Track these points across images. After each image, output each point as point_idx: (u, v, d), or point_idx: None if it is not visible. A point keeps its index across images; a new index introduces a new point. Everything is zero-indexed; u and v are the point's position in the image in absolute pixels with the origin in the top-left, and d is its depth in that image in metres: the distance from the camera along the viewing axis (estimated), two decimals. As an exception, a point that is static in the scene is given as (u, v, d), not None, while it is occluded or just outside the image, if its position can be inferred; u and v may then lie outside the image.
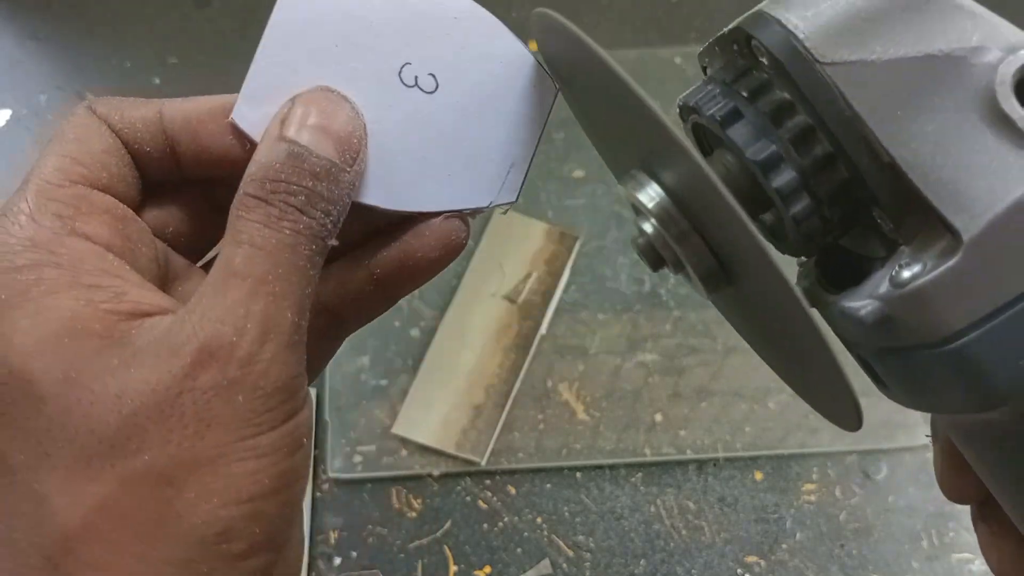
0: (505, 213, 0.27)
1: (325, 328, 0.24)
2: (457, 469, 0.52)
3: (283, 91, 0.21)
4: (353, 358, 0.54)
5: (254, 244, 0.19)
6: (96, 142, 0.21)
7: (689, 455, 0.53)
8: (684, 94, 0.22)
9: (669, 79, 0.64)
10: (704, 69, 0.23)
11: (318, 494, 0.52)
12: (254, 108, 0.21)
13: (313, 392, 0.53)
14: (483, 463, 0.52)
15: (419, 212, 0.23)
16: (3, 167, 0.61)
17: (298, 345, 0.20)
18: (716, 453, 0.53)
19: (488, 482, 0.52)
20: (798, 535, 0.51)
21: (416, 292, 0.58)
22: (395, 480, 0.52)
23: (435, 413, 0.53)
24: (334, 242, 0.20)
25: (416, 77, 0.22)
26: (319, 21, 0.22)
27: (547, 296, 0.56)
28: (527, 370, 0.54)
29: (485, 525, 0.51)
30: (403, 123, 0.22)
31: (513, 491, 0.52)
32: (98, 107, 0.22)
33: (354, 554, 0.50)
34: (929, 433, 0.26)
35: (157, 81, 0.64)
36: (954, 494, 0.26)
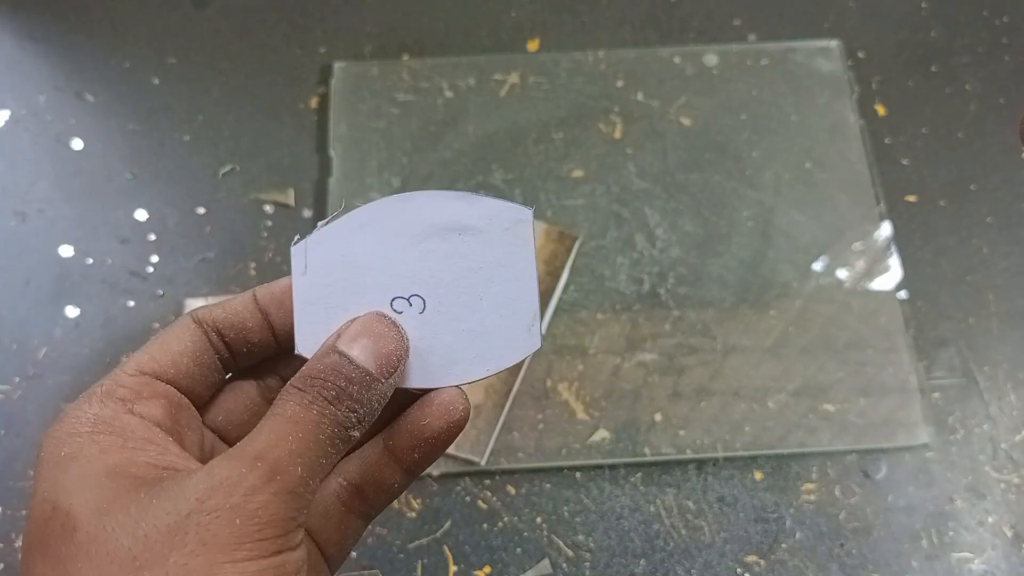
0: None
1: (351, 504, 0.27)
2: (456, 469, 0.52)
3: (330, 321, 0.26)
4: (352, 358, 0.55)
5: (284, 415, 0.23)
6: (176, 344, 0.25)
7: (688, 455, 0.53)
8: None
9: (668, 78, 0.64)
10: None
11: (318, 494, 0.52)
12: (311, 341, 0.26)
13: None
14: (483, 463, 0.52)
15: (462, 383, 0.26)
16: (2, 168, 0.61)
17: (301, 496, 0.22)
18: (715, 453, 0.53)
19: (488, 482, 0.52)
20: (798, 534, 0.51)
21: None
22: (395, 480, 0.52)
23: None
24: (356, 433, 0.24)
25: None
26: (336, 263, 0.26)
27: (546, 296, 0.56)
28: (526, 370, 0.54)
29: (485, 525, 0.51)
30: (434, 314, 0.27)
31: (513, 491, 0.52)
32: (199, 312, 0.26)
33: (354, 554, 0.50)
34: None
35: (156, 81, 0.64)
36: None
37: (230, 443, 0.27)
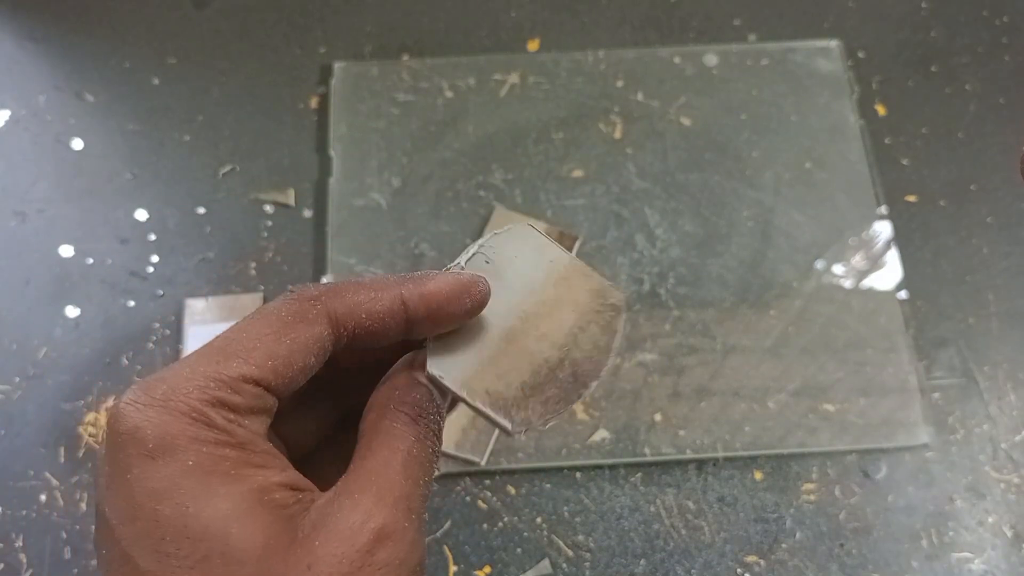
0: None
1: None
2: (457, 469, 0.52)
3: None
4: (352, 358, 0.55)
5: (404, 451, 0.24)
6: (301, 358, 0.24)
7: (688, 455, 0.53)
8: None
9: (668, 79, 0.64)
10: None
11: (318, 494, 0.52)
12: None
13: (312, 392, 0.53)
14: (483, 463, 0.52)
15: None
16: (2, 168, 0.61)
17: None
18: (715, 453, 0.53)
19: (488, 482, 0.52)
20: (798, 534, 0.51)
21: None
22: (395, 480, 0.52)
23: (434, 413, 0.53)
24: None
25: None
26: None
27: (546, 296, 0.56)
28: (526, 370, 0.54)
29: (485, 525, 0.51)
30: None
31: (513, 491, 0.52)
32: (338, 307, 0.24)
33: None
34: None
35: (156, 81, 0.64)
36: None
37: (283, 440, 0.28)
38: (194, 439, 0.21)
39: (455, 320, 0.26)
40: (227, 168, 0.61)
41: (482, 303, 0.26)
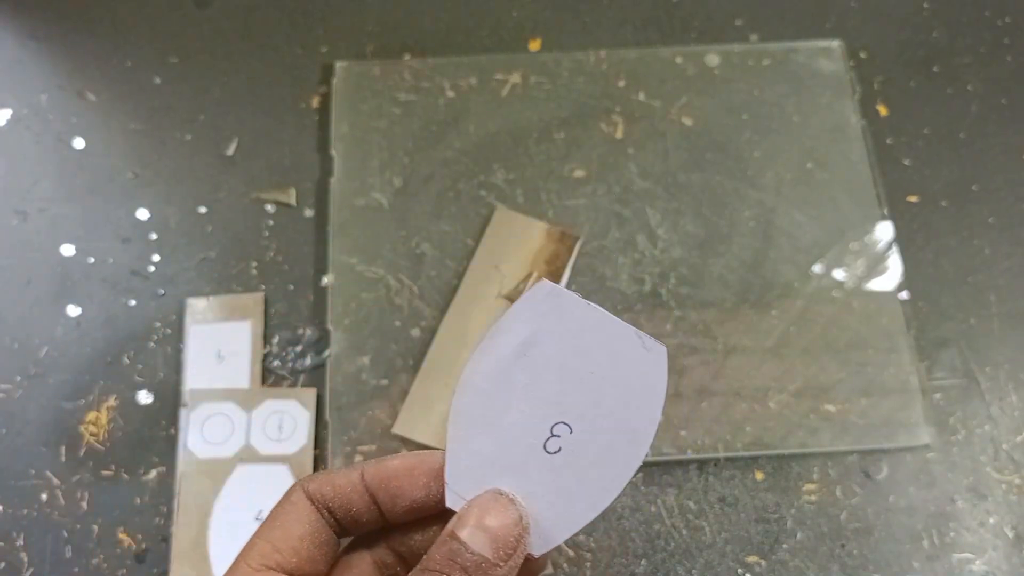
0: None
1: None
2: (457, 469, 0.52)
3: (476, 470, 0.26)
4: (354, 358, 0.54)
5: None
6: (296, 528, 0.25)
7: (690, 455, 0.53)
8: None
9: (669, 79, 0.64)
10: None
11: (318, 494, 0.51)
12: (460, 493, 0.26)
13: (314, 392, 0.53)
14: (483, 463, 0.52)
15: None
16: (3, 167, 0.61)
17: None
18: (716, 453, 0.53)
19: (488, 482, 0.52)
20: (799, 535, 0.51)
21: (416, 291, 0.57)
22: (395, 480, 0.52)
23: (435, 413, 0.53)
24: None
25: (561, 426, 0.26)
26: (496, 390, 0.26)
27: (548, 296, 0.56)
28: (527, 370, 0.54)
29: (485, 525, 0.51)
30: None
31: (513, 491, 0.52)
32: (310, 484, 0.26)
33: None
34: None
35: (158, 80, 0.64)
36: None
37: None
38: None
39: (413, 499, 0.26)
40: (229, 167, 0.61)
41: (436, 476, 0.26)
